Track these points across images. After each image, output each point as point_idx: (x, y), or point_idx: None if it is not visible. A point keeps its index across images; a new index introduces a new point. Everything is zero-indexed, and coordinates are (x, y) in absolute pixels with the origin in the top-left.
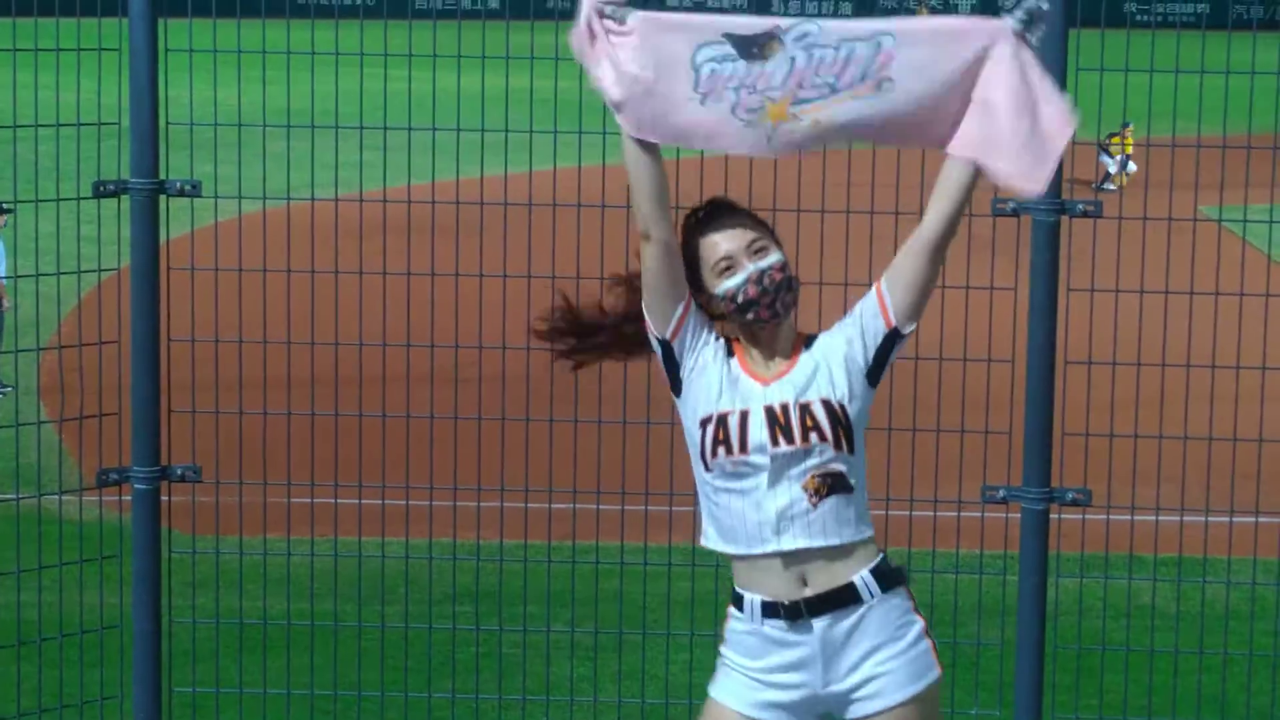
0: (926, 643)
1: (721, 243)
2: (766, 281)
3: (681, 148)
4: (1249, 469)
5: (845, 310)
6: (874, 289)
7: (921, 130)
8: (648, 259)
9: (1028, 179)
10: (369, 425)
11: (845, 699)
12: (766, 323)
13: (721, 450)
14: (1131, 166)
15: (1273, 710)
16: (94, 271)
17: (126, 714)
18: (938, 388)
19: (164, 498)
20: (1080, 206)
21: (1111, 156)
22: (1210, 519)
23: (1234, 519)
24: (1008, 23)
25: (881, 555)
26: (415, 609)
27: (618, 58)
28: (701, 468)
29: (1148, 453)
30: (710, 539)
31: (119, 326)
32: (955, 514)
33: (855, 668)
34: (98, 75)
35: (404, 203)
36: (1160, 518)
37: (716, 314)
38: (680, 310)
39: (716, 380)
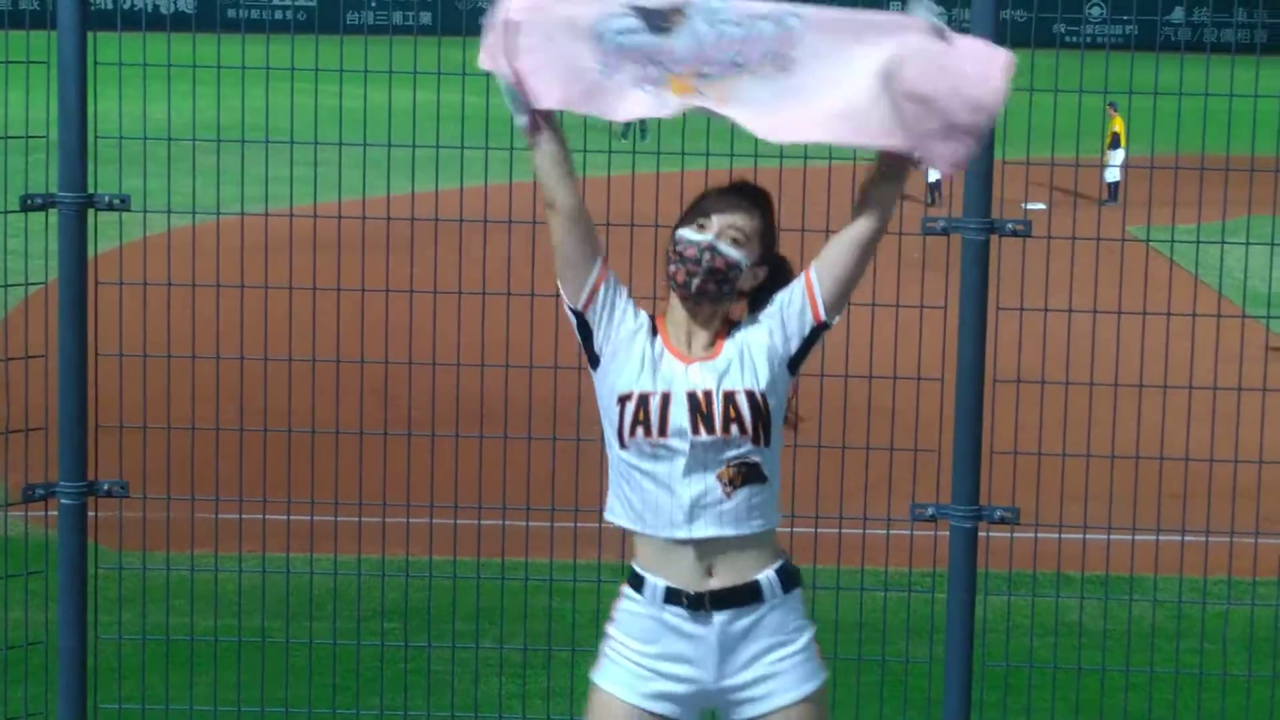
0: (815, 648)
1: (718, 206)
2: (708, 258)
3: (580, 113)
4: (1175, 488)
5: None
6: (802, 280)
7: (833, 121)
8: (555, 229)
9: (956, 156)
10: (298, 441)
11: (734, 697)
12: (678, 286)
13: (640, 430)
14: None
15: None
16: (21, 285)
17: None
18: (867, 405)
19: (91, 513)
20: (1010, 226)
21: (1111, 159)
22: (1137, 538)
23: (1160, 538)
24: (918, 17)
25: (785, 555)
26: (343, 625)
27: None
28: (616, 444)
29: (1075, 471)
30: (617, 515)
31: (46, 341)
32: (884, 532)
33: (748, 666)
34: (25, 88)
35: (334, 218)
36: (1087, 536)
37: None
38: (593, 279)
39: (638, 357)
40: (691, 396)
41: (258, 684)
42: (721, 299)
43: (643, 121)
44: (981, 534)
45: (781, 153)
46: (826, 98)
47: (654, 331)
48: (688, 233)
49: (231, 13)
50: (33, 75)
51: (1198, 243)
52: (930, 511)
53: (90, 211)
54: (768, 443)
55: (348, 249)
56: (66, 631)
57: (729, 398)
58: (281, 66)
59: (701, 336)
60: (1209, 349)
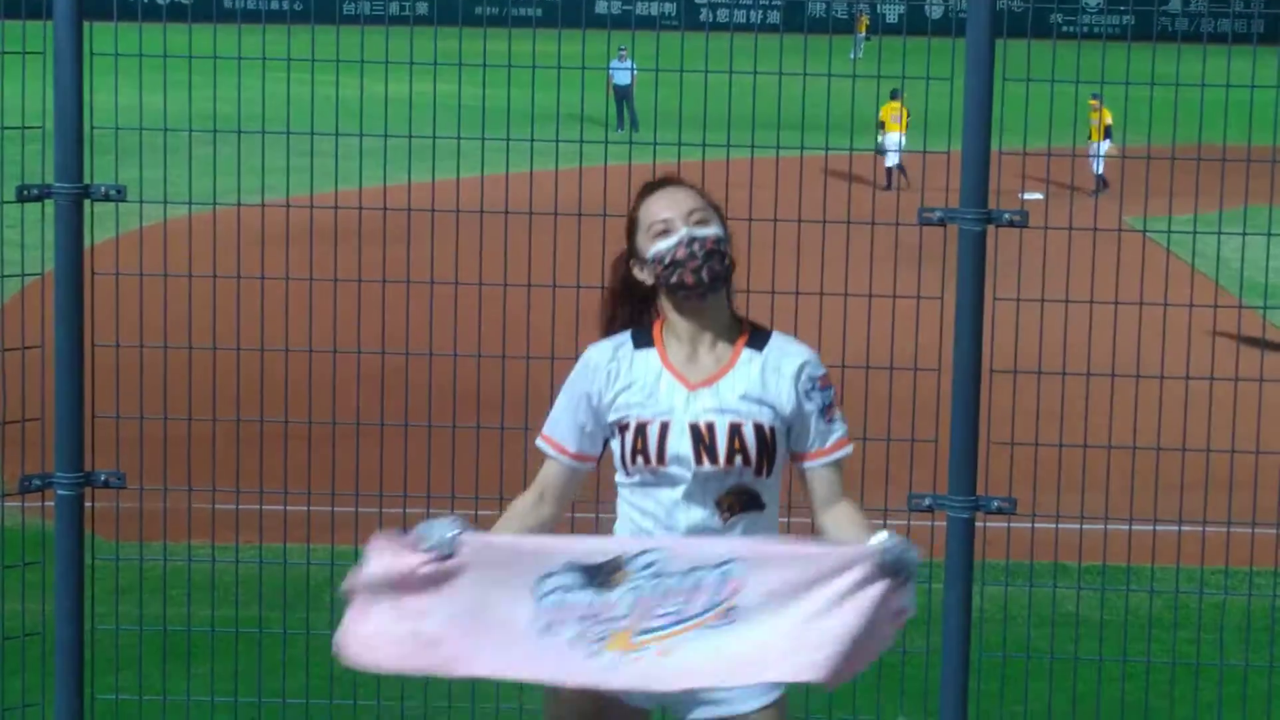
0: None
1: (662, 208)
2: (697, 247)
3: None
4: (1172, 478)
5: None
6: (813, 411)
7: (770, 663)
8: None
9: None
10: (295, 431)
11: (695, 698)
12: (691, 289)
13: (640, 459)
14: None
15: (1196, 718)
16: (17, 276)
17: None
18: (864, 396)
19: (87, 504)
20: (1006, 216)
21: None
22: (1134, 528)
23: (1157, 527)
24: (873, 552)
25: None
26: (340, 616)
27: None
28: (621, 471)
29: (1072, 461)
30: (623, 533)
31: (42, 331)
32: (881, 522)
33: None
34: (21, 78)
35: (331, 209)
36: (1085, 526)
37: (646, 285)
38: (601, 446)
39: (636, 387)
40: (694, 428)
41: (255, 674)
42: (729, 277)
43: (632, 113)
44: (979, 524)
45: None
46: (761, 644)
47: (649, 343)
48: (660, 244)
49: (228, 3)
50: (29, 65)
51: (1194, 233)
52: (927, 502)
53: (86, 202)
54: (769, 473)
55: (344, 239)
56: (64, 622)
57: (735, 430)
58: (278, 57)
59: (709, 340)
60: (1206, 339)
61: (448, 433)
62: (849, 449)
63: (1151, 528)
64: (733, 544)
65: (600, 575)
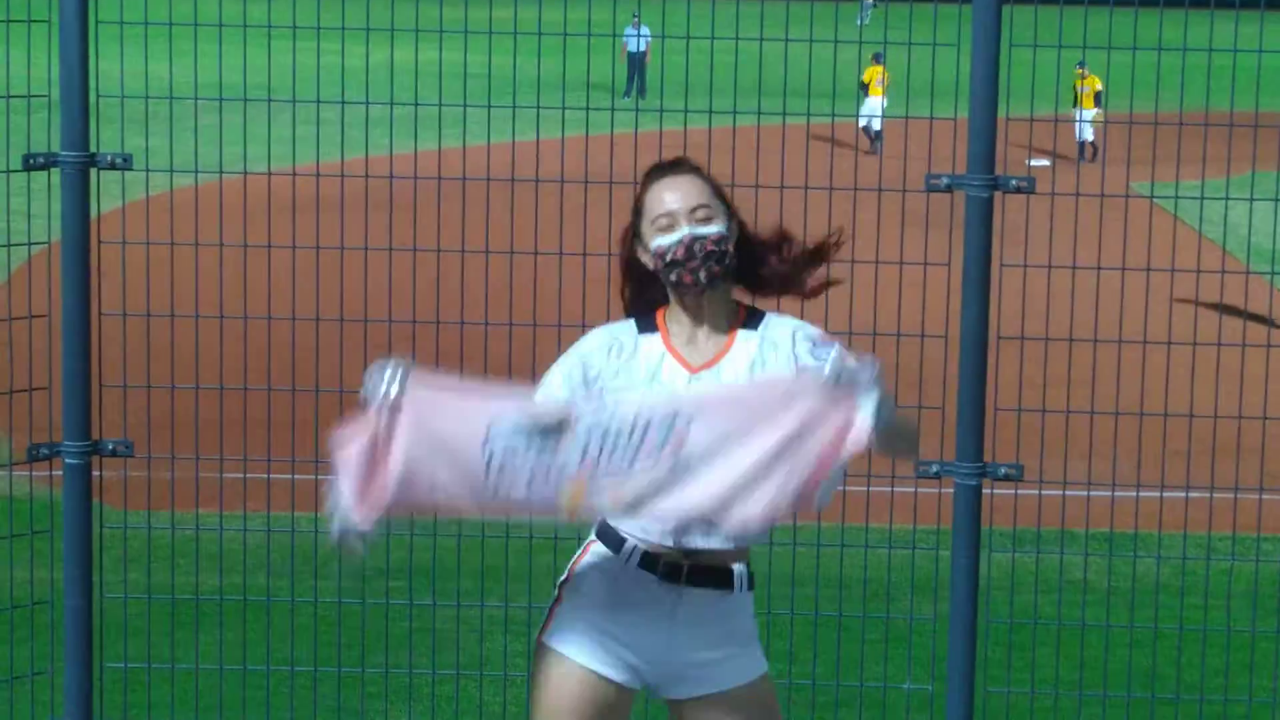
0: (759, 645)
1: (667, 199)
2: (698, 247)
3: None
4: (1180, 445)
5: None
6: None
7: (727, 502)
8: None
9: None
10: (302, 399)
11: (681, 674)
12: (689, 288)
13: None
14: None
15: (1203, 684)
16: (23, 245)
17: (57, 689)
18: None
19: (95, 473)
20: (1014, 182)
21: (1081, 115)
22: (1141, 494)
23: (1164, 494)
24: (815, 376)
25: (749, 561)
26: (348, 584)
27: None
28: None
29: (1080, 428)
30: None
31: (49, 301)
32: (888, 489)
33: (700, 649)
34: (27, 47)
35: (337, 176)
36: (1092, 493)
37: (645, 269)
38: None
39: (638, 372)
40: None
41: (263, 642)
42: (729, 273)
43: (642, 80)
44: (986, 491)
45: (808, 110)
46: (713, 481)
47: (654, 328)
48: (662, 240)
49: None
50: (34, 34)
51: (1202, 198)
52: (935, 469)
53: (93, 171)
54: None
55: (351, 208)
56: (72, 591)
57: None
58: (284, 25)
59: (708, 326)
60: (1213, 304)
61: None
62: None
63: (1159, 494)
64: (677, 397)
65: (549, 432)
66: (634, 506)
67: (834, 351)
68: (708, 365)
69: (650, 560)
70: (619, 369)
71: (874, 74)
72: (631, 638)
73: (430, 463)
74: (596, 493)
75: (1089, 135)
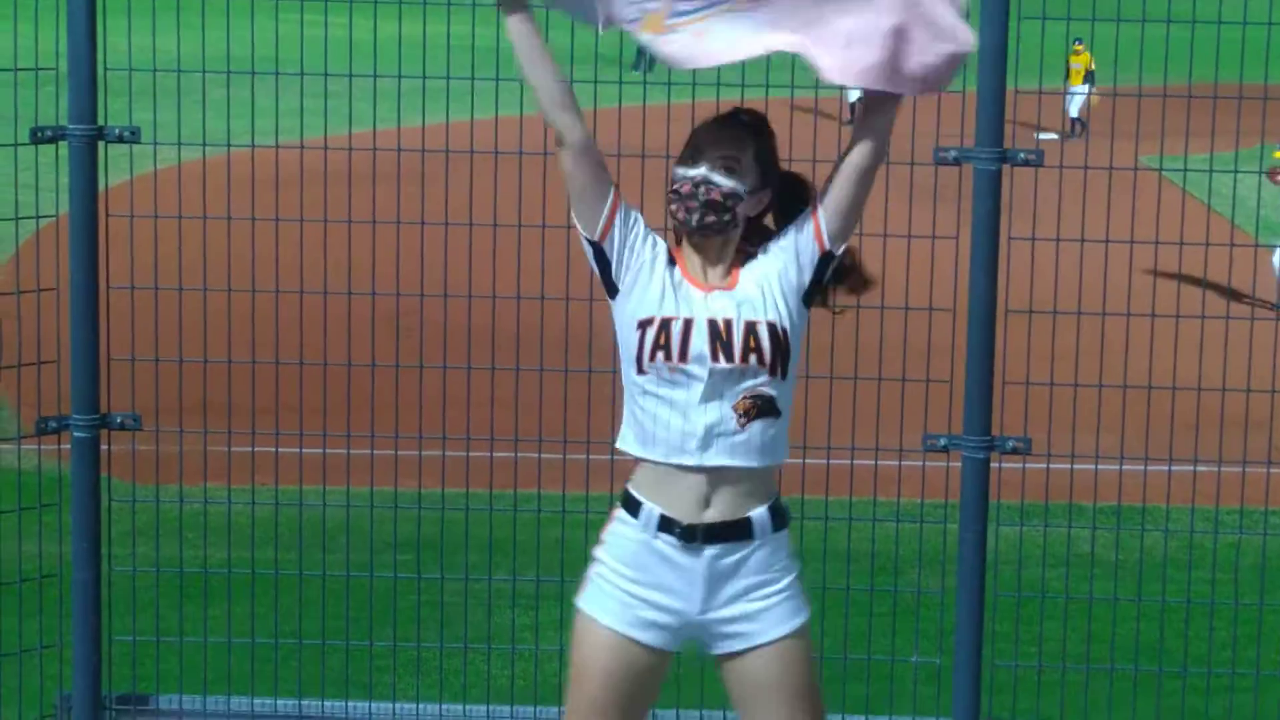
0: (799, 586)
1: (708, 136)
2: (703, 191)
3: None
4: (1187, 418)
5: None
6: (811, 217)
7: (815, 48)
8: (566, 164)
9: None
10: (310, 373)
11: (717, 631)
12: (679, 224)
13: (660, 355)
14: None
15: (1210, 657)
16: (32, 219)
17: (66, 663)
18: (879, 336)
19: (104, 446)
20: (1022, 155)
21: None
22: (1149, 468)
23: (1172, 468)
24: None
25: (777, 493)
26: (356, 557)
27: None
28: (634, 370)
29: (1087, 402)
30: (627, 442)
31: (57, 274)
32: (896, 463)
33: (734, 601)
34: (35, 20)
35: (344, 150)
36: (1099, 466)
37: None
38: (607, 210)
39: (659, 284)
40: (712, 324)
41: (271, 616)
42: (726, 229)
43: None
44: (994, 465)
45: (792, 83)
46: (796, 25)
47: (671, 261)
48: (681, 169)
49: None
50: (42, 7)
51: (1210, 171)
52: (943, 442)
53: (100, 144)
54: (784, 376)
55: (359, 181)
56: (80, 564)
57: (750, 327)
58: None
59: (717, 269)
60: (1222, 278)
61: (463, 373)
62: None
63: (1167, 468)
64: None
65: None
66: (710, 42)
67: None
68: (717, 288)
69: (667, 523)
70: (642, 246)
71: None
72: (661, 601)
73: None
74: (675, 25)
75: (1074, 112)
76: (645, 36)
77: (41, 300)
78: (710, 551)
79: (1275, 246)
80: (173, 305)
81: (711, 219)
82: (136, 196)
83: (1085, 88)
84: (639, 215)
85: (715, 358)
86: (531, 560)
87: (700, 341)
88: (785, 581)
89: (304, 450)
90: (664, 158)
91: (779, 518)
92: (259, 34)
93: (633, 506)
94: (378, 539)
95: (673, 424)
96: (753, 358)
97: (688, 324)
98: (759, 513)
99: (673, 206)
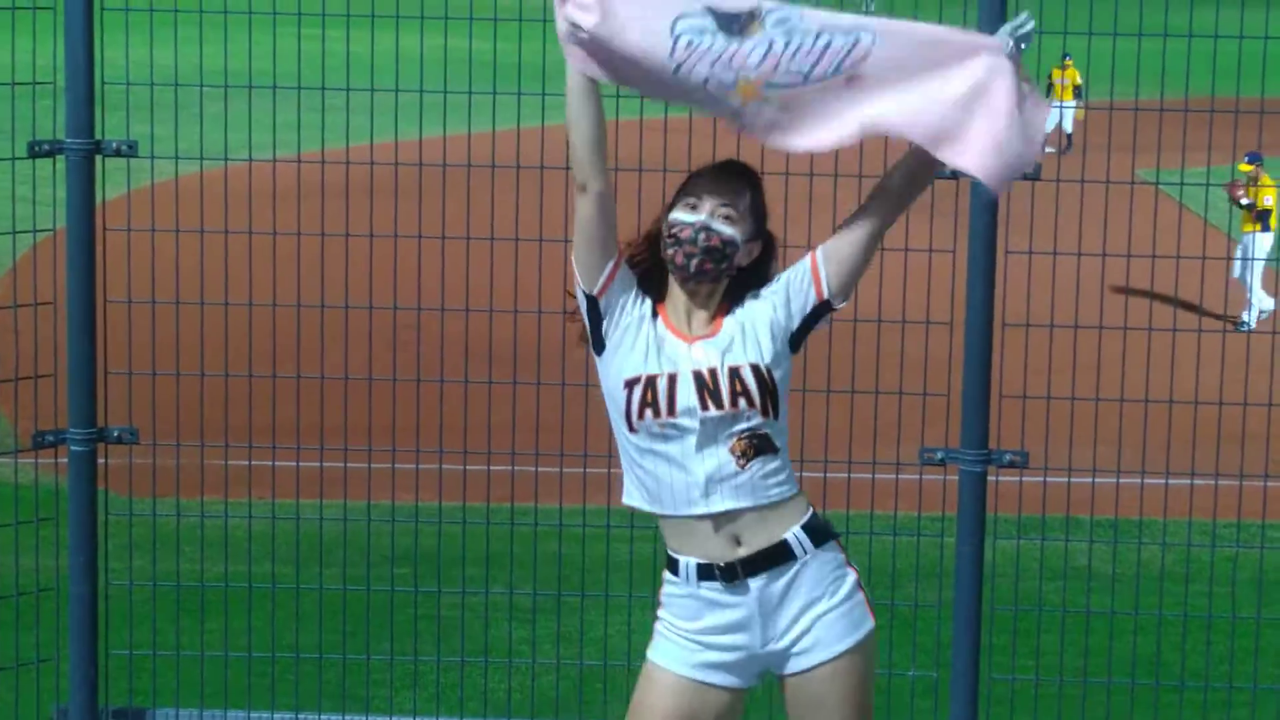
0: (860, 595)
1: (705, 184)
2: (703, 237)
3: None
4: (1184, 432)
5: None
6: (808, 260)
7: (895, 127)
8: (583, 209)
9: (990, 175)
10: (307, 387)
11: (784, 655)
12: (677, 269)
13: (649, 412)
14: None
15: (1207, 671)
16: (29, 232)
17: (63, 677)
18: (876, 350)
19: (101, 460)
20: None
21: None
22: (1145, 481)
23: (1169, 481)
24: (997, 41)
25: (812, 510)
26: (353, 571)
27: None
28: (625, 428)
29: (1084, 415)
30: (634, 499)
31: (55, 288)
32: (893, 476)
33: (793, 623)
34: (33, 34)
35: (342, 164)
36: (1096, 480)
37: (653, 247)
38: (610, 266)
39: (644, 342)
40: (698, 375)
41: (268, 629)
42: (720, 277)
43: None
44: (991, 478)
45: None
46: (882, 107)
47: (655, 314)
48: (681, 214)
49: None
50: (39, 21)
51: (1207, 185)
52: (940, 456)
53: (98, 158)
54: (776, 415)
55: (358, 195)
56: (77, 578)
57: (734, 372)
58: (288, 11)
59: (701, 315)
60: (1218, 292)
61: (460, 387)
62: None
63: (1163, 481)
64: (868, 19)
65: (735, 23)
66: (799, 114)
67: (1010, 26)
68: (701, 338)
69: (706, 570)
70: (632, 306)
71: None
72: (724, 641)
73: (623, 21)
74: (769, 95)
75: (1068, 128)
76: (736, 102)
77: (39, 314)
78: (756, 584)
79: (1235, 258)
80: (170, 319)
81: (709, 266)
82: (134, 210)
83: (1074, 103)
84: (633, 277)
85: (705, 407)
86: (528, 574)
87: (687, 394)
88: (842, 593)
89: (301, 464)
90: (661, 171)
91: (818, 534)
92: (257, 48)
93: (674, 565)
94: (375, 552)
95: (675, 479)
96: (742, 401)
97: (672, 379)
98: (793, 533)
99: (670, 251)
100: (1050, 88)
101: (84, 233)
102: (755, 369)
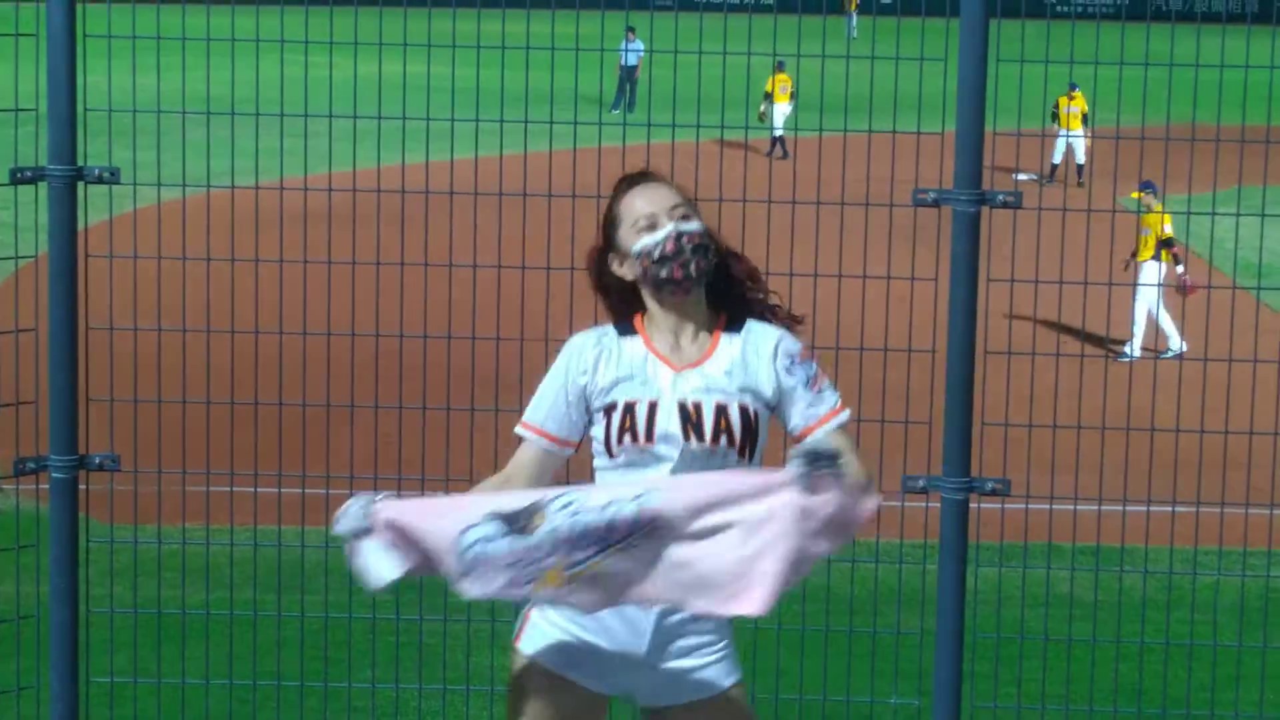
0: (733, 649)
1: (645, 203)
2: (685, 241)
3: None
4: (1166, 459)
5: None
6: (807, 386)
7: (698, 586)
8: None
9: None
10: (289, 414)
11: (662, 680)
12: (678, 284)
13: (628, 438)
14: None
15: (1188, 699)
16: (11, 259)
17: (43, 704)
18: (858, 377)
19: (82, 486)
20: (1000, 197)
21: (1061, 127)
22: (1128, 509)
23: (1151, 508)
24: (790, 474)
25: None
26: (335, 598)
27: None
28: (604, 455)
29: (1066, 443)
30: None
31: (36, 314)
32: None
33: (686, 654)
34: (14, 61)
35: (324, 190)
36: (1078, 507)
37: (625, 280)
38: (581, 430)
39: (623, 372)
40: (681, 407)
41: (250, 657)
42: (710, 272)
43: (632, 91)
44: (973, 505)
45: (772, 127)
46: (695, 560)
47: (633, 332)
48: (647, 239)
49: None
50: (21, 48)
51: (1189, 213)
52: (921, 483)
53: (80, 184)
54: (751, 457)
55: (338, 221)
56: (58, 604)
57: (721, 410)
58: (271, 39)
59: (689, 329)
60: (1199, 319)
61: (442, 414)
62: (845, 415)
63: (1145, 508)
64: (654, 477)
65: (518, 521)
66: (609, 591)
67: (805, 452)
68: (692, 366)
69: None
70: (605, 367)
71: (778, 82)
72: (602, 652)
73: (423, 559)
74: (575, 574)
75: (1080, 158)
76: (547, 592)
77: (20, 340)
78: (654, 612)
79: (1137, 292)
80: (151, 346)
81: (704, 263)
82: (116, 237)
83: (1081, 131)
84: (585, 368)
85: (687, 438)
86: (511, 602)
87: (667, 422)
88: (724, 643)
89: (282, 490)
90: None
91: None
92: (239, 74)
93: None
94: (357, 579)
95: None
96: (723, 439)
97: (652, 406)
98: None
99: (662, 274)
100: (1055, 116)
101: (66, 259)
102: (744, 410)
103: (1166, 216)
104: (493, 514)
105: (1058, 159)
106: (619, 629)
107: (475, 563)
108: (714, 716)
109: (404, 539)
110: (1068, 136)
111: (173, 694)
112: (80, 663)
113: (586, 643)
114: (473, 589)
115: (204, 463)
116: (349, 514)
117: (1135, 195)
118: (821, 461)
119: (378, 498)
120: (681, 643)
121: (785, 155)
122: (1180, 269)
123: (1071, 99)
